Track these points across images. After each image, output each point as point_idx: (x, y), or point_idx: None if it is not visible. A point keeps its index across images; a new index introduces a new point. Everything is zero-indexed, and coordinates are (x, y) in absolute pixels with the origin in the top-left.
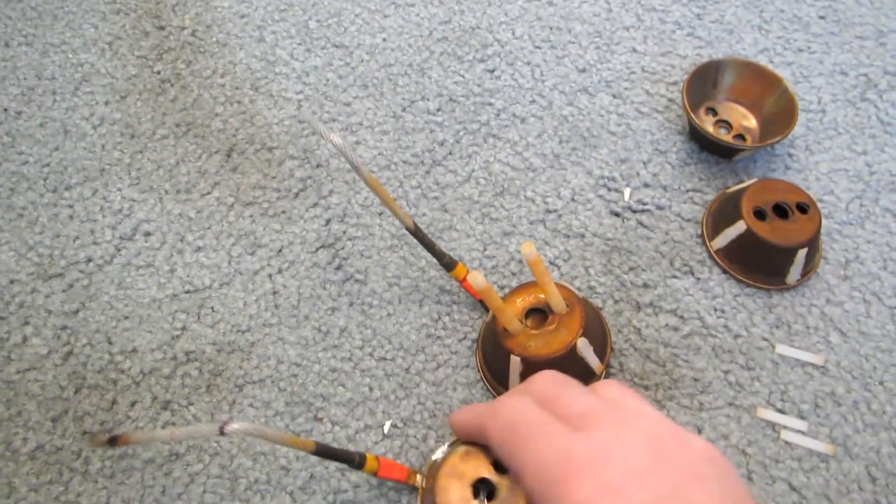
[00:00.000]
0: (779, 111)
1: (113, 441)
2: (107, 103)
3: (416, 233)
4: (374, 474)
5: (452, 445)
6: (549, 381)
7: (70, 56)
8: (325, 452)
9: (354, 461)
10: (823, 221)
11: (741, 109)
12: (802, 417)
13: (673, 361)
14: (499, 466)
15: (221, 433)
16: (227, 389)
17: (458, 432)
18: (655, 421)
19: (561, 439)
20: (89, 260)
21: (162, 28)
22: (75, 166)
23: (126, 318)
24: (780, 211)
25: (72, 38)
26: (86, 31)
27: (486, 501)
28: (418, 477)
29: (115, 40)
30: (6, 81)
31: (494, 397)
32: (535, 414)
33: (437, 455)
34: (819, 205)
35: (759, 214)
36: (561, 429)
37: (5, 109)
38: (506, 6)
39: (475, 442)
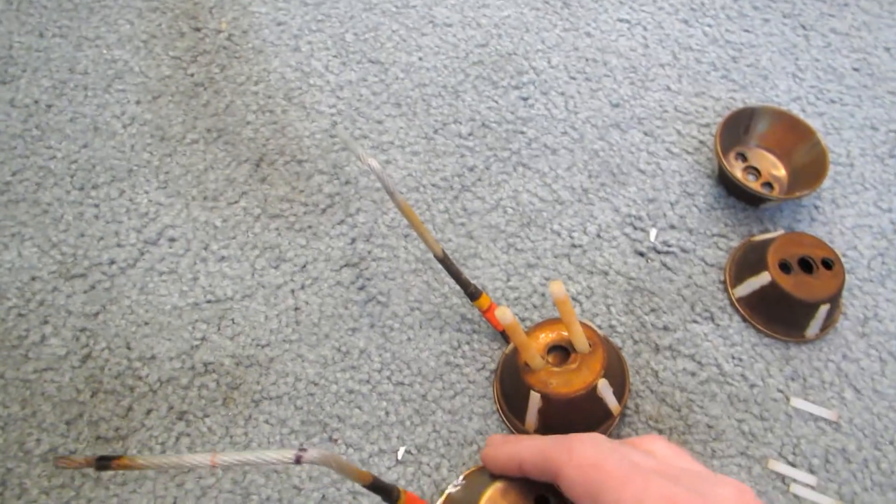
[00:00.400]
0: (809, 162)
1: (104, 463)
2: (138, 103)
3: (445, 261)
4: None
5: (468, 478)
6: (602, 437)
7: (104, 51)
8: (375, 486)
9: (393, 496)
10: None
11: (771, 158)
12: (812, 472)
13: (688, 406)
14: (540, 502)
15: (298, 462)
16: (243, 404)
17: (495, 465)
18: (730, 479)
19: (658, 482)
20: (112, 262)
21: (198, 30)
22: (103, 165)
23: (146, 323)
24: (805, 265)
25: (107, 33)
26: (121, 27)
27: None
28: None
29: (150, 39)
30: (38, 73)
31: (510, 429)
32: (619, 457)
33: (452, 490)
34: (842, 259)
35: (785, 267)
36: (651, 474)
37: (36, 101)
38: (543, 34)
39: (506, 477)
